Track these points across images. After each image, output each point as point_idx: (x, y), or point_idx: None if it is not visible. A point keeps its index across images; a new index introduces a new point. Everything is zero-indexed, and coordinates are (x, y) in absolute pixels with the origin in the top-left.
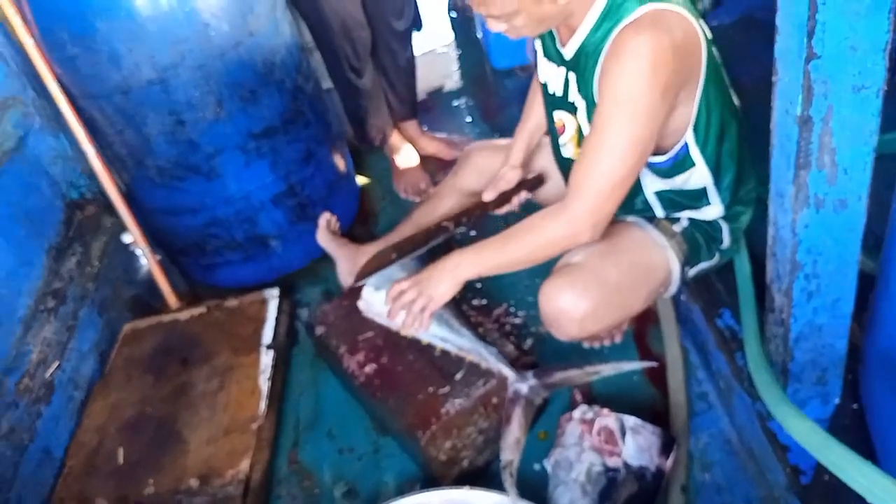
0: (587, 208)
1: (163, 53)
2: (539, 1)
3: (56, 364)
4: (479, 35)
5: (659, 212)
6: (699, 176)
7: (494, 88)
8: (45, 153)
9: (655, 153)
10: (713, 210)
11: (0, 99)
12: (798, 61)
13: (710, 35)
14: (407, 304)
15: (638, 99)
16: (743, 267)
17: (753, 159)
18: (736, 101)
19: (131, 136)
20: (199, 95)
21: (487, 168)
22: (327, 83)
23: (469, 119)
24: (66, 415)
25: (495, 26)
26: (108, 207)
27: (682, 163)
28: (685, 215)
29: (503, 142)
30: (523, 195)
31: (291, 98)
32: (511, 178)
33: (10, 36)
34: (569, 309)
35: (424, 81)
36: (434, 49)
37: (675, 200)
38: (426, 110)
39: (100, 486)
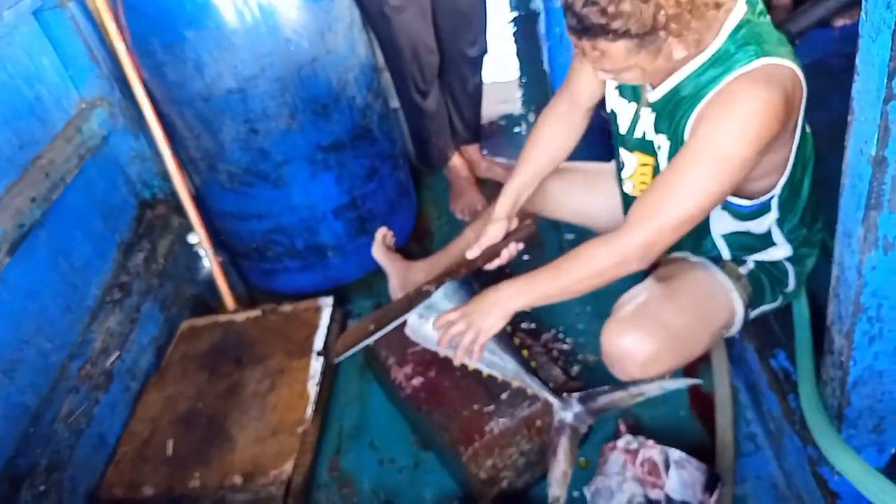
0: (643, 240)
1: (245, 64)
2: (654, 59)
3: (117, 354)
4: (546, 67)
5: (726, 254)
6: (769, 219)
7: None
8: (124, 153)
9: (740, 196)
10: (780, 251)
11: (89, 98)
12: (876, 102)
13: None
14: (455, 335)
15: (734, 153)
16: (801, 307)
17: (820, 203)
18: (810, 144)
19: (207, 140)
20: (274, 106)
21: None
22: (395, 102)
23: None
24: (122, 404)
25: (603, 76)
26: (178, 208)
27: (761, 209)
28: (752, 258)
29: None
30: (513, 247)
31: (361, 115)
32: (495, 233)
33: (104, 41)
34: (632, 350)
35: (487, 108)
36: (498, 78)
37: (744, 243)
38: (488, 135)
39: (148, 474)
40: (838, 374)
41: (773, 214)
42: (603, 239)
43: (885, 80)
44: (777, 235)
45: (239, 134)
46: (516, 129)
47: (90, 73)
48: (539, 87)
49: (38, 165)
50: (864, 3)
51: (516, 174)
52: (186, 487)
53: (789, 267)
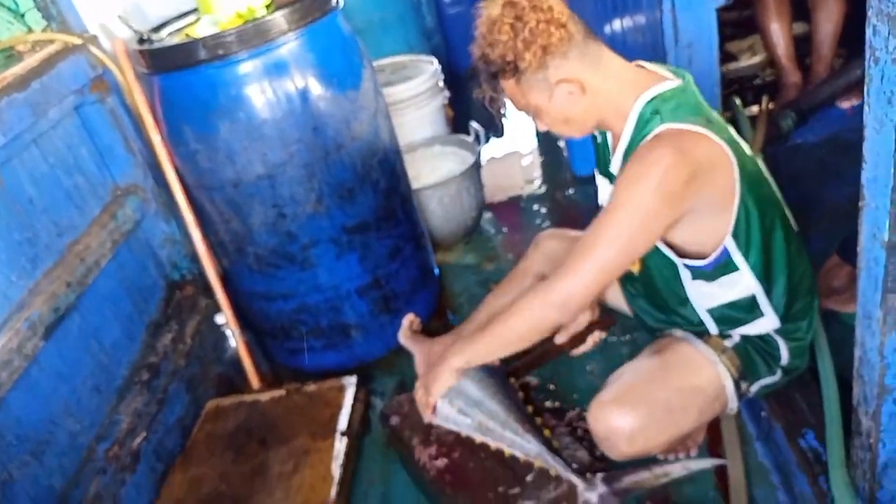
0: (564, 290)
1: (274, 152)
2: (546, 99)
3: (143, 435)
4: (562, 143)
5: (713, 329)
6: (746, 283)
7: (575, 194)
8: (155, 236)
9: (696, 258)
10: (766, 322)
11: (124, 185)
12: (885, 189)
13: (748, 152)
14: (419, 400)
15: (640, 203)
16: (829, 387)
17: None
18: (789, 214)
19: (236, 224)
20: (301, 191)
21: (556, 253)
22: (417, 184)
23: (547, 224)
24: (148, 485)
25: (538, 125)
26: (206, 289)
27: (724, 266)
28: (738, 331)
29: (573, 232)
30: (597, 335)
31: (384, 197)
32: (581, 320)
33: (140, 131)
34: (617, 427)
35: (507, 184)
36: (517, 152)
37: (729, 316)
38: (506, 212)
39: None
40: (867, 457)
41: (749, 279)
42: (531, 289)
43: (892, 170)
44: (765, 305)
45: (267, 218)
46: (535, 207)
47: (125, 162)
48: (557, 163)
49: (74, 251)
50: (866, 97)
51: None
52: None
53: (780, 340)
